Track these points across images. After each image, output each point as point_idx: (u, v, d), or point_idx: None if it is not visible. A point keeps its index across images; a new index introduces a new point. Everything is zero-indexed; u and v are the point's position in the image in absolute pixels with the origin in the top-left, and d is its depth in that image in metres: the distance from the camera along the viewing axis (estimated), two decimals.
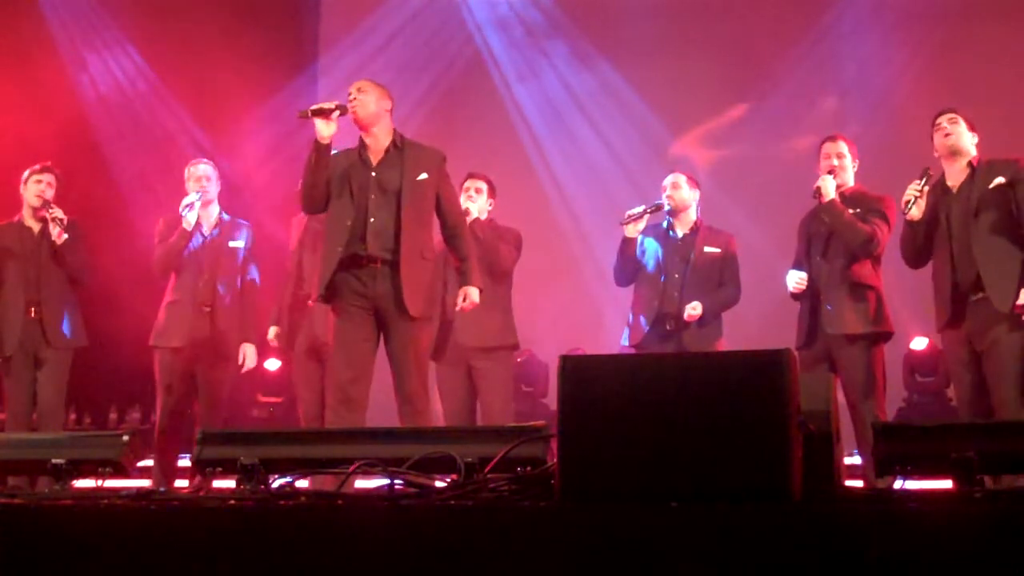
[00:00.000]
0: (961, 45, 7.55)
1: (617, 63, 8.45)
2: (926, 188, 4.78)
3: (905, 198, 4.78)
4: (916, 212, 4.77)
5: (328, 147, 4.53)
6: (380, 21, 8.78)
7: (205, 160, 5.81)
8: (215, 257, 5.62)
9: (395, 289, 4.51)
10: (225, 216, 5.75)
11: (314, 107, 4.51)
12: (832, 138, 5.25)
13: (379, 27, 8.75)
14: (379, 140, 4.65)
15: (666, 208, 5.56)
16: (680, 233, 5.58)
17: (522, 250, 5.75)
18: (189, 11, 7.98)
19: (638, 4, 8.38)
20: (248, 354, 5.65)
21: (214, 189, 5.69)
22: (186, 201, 5.51)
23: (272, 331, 5.83)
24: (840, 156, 5.16)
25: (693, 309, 5.34)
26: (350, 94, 4.61)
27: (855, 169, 5.21)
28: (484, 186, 5.64)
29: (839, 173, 5.13)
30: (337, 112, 4.50)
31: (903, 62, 7.80)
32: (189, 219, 5.51)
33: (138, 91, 8.14)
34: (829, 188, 5.05)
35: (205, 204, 5.64)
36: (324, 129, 4.49)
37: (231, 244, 5.68)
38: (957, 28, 7.69)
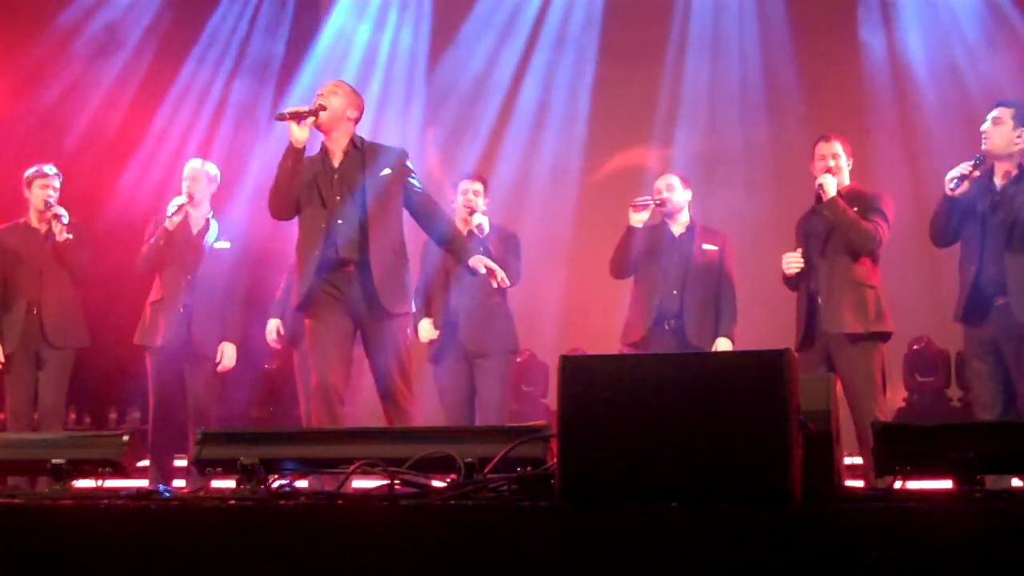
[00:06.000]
0: (954, 39, 7.56)
1: (615, 62, 8.44)
2: (976, 173, 4.65)
3: (951, 174, 4.67)
4: (957, 189, 4.67)
5: (302, 152, 4.43)
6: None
7: (200, 159, 5.76)
8: (198, 257, 5.57)
9: (369, 289, 4.45)
10: (217, 217, 5.72)
11: (289, 110, 4.40)
12: (826, 138, 5.19)
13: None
14: (338, 142, 4.57)
15: (667, 207, 5.55)
16: (677, 232, 5.59)
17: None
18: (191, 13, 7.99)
19: (636, 3, 8.38)
20: (227, 353, 5.58)
21: (205, 188, 5.64)
22: (175, 203, 5.47)
23: (272, 324, 5.80)
24: (835, 156, 5.11)
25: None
26: (320, 93, 4.53)
27: (849, 168, 5.16)
28: (481, 187, 5.64)
29: (836, 173, 5.08)
30: (311, 118, 4.39)
31: (905, 59, 7.79)
32: (172, 220, 5.46)
33: (138, 90, 8.12)
34: (830, 186, 5.02)
35: (196, 204, 5.61)
36: (298, 133, 4.38)
37: (216, 245, 5.62)
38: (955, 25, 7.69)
